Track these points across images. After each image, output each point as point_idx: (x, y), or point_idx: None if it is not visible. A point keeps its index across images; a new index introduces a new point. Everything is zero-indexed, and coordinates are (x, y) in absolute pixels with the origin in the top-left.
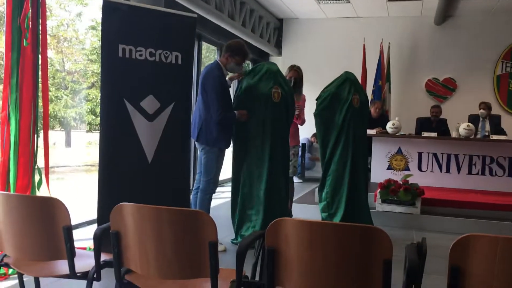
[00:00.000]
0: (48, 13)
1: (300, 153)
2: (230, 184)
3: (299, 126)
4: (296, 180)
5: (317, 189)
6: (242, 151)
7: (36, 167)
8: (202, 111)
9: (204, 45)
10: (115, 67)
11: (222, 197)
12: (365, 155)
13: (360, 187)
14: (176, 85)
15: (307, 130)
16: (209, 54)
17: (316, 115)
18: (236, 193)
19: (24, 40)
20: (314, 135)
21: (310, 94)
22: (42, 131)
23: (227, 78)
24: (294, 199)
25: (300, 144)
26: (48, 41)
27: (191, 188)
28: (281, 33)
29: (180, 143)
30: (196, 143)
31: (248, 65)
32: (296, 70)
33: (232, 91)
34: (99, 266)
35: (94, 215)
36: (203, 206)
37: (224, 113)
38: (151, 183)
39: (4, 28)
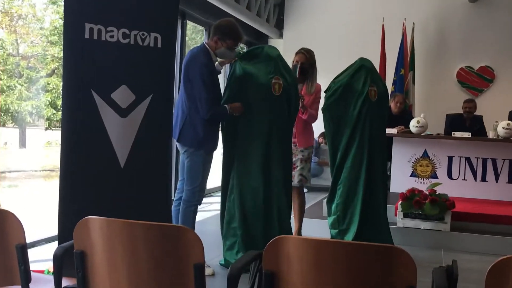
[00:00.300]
0: None
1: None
2: (220, 193)
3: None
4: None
5: (325, 201)
6: (233, 154)
7: None
8: (185, 105)
9: (189, 24)
10: (80, 51)
11: (209, 209)
12: (384, 160)
13: (378, 198)
14: (155, 73)
15: (314, 130)
16: (195, 35)
17: (325, 110)
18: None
19: None
20: (322, 134)
21: (321, 85)
22: None
23: (216, 63)
24: None
25: (314, 145)
26: None
27: (172, 198)
28: (282, 11)
29: (159, 144)
30: (177, 144)
31: (242, 49)
32: (303, 54)
33: (222, 78)
34: None
35: (54, 231)
36: (186, 220)
37: (214, 108)
38: (124, 192)
39: None
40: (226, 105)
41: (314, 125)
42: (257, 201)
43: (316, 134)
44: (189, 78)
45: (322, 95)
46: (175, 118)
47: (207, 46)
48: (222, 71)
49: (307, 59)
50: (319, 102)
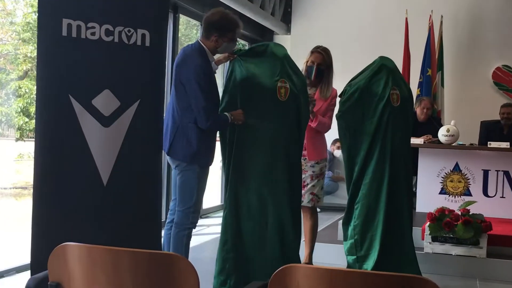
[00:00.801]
0: None
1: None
2: (221, 213)
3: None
4: None
5: (341, 222)
6: (232, 167)
7: None
8: (176, 113)
9: (182, 18)
10: (57, 50)
11: (206, 232)
12: (409, 174)
13: (402, 219)
14: (143, 76)
15: (326, 138)
16: (189, 31)
17: (340, 117)
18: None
19: None
20: (336, 141)
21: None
22: None
23: (212, 63)
24: None
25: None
26: None
27: (163, 220)
28: (290, 3)
29: (147, 157)
30: (168, 158)
31: (243, 46)
32: (320, 53)
33: (220, 80)
34: None
35: (26, 259)
36: (179, 246)
37: (214, 116)
38: (107, 213)
39: None
40: (227, 113)
41: (328, 134)
42: (254, 221)
43: (329, 142)
44: (182, 82)
45: (338, 100)
46: (166, 127)
47: (202, 44)
48: (219, 71)
49: (324, 59)
50: (334, 109)
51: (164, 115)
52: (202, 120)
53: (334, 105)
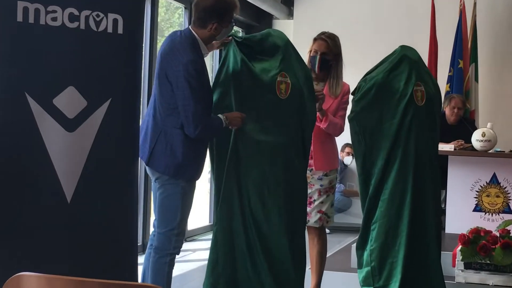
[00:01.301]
0: None
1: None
2: (210, 236)
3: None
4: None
5: (354, 246)
6: (226, 179)
7: None
8: (159, 114)
9: (162, 0)
10: (10, 39)
11: (192, 259)
12: (436, 188)
13: (428, 242)
14: (115, 70)
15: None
16: (169, 16)
17: (353, 119)
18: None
19: None
20: (346, 146)
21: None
22: None
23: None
24: None
25: (339, 168)
26: None
27: (140, 244)
28: None
29: (121, 168)
30: (147, 168)
31: (237, 32)
32: (325, 40)
33: (209, 68)
34: None
35: None
36: (159, 275)
37: (204, 121)
38: (72, 236)
39: None
40: (221, 115)
41: (337, 138)
42: (240, 244)
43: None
44: (168, 78)
45: (350, 98)
46: (145, 132)
47: (194, 33)
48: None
49: (329, 47)
50: (346, 108)
51: (143, 116)
52: (190, 127)
53: (347, 103)
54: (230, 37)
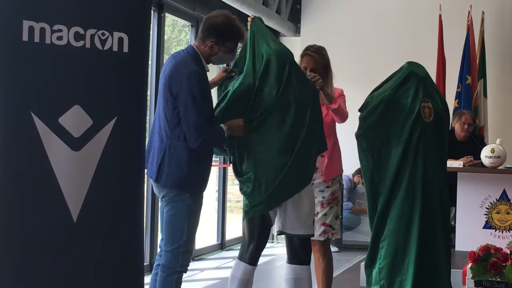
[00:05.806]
0: None
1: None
2: (218, 254)
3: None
4: (332, 248)
5: (363, 264)
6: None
7: None
8: (165, 131)
9: (169, 18)
10: (16, 58)
11: (200, 278)
12: (445, 205)
13: (438, 260)
14: (121, 89)
15: (346, 164)
16: (177, 34)
17: (360, 136)
18: None
19: None
20: (358, 172)
21: (350, 99)
22: None
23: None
24: None
25: (349, 186)
26: None
27: (147, 263)
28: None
29: (127, 187)
30: (154, 187)
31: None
32: (310, 55)
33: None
34: None
35: None
36: None
37: (206, 132)
38: (77, 256)
39: None
40: (223, 125)
41: (345, 158)
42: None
43: (349, 170)
44: (173, 94)
45: (354, 110)
46: (152, 149)
47: (196, 49)
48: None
49: (316, 62)
50: (345, 100)
51: (148, 135)
52: (191, 137)
53: (344, 101)
54: (234, 73)
